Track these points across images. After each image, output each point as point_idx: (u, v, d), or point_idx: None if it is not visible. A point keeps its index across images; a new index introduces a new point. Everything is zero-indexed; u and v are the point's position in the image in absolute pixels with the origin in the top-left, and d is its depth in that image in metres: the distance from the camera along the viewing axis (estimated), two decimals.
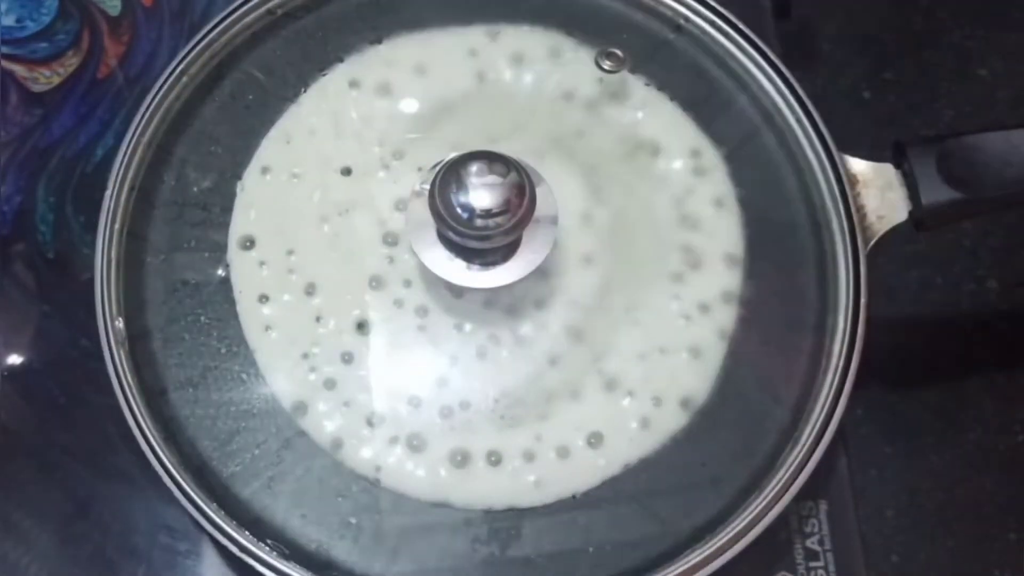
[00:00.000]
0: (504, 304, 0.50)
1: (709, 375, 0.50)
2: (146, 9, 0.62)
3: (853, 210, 0.51)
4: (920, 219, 0.51)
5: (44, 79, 0.60)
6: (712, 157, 0.53)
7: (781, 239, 0.52)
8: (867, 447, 0.63)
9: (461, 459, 0.48)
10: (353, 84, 0.54)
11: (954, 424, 0.64)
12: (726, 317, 0.51)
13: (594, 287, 0.50)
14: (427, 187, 0.46)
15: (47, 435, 0.53)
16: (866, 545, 0.54)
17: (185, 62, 0.52)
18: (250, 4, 0.54)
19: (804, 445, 0.47)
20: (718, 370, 0.50)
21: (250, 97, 0.53)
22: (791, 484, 0.47)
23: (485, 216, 0.44)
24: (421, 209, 0.46)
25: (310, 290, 0.50)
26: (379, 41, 0.55)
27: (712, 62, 0.55)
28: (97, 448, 0.53)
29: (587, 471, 0.48)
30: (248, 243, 0.51)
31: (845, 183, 0.51)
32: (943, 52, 0.72)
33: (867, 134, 0.68)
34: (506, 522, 0.47)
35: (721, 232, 0.52)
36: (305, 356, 0.49)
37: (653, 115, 0.54)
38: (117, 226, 0.50)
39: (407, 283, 0.50)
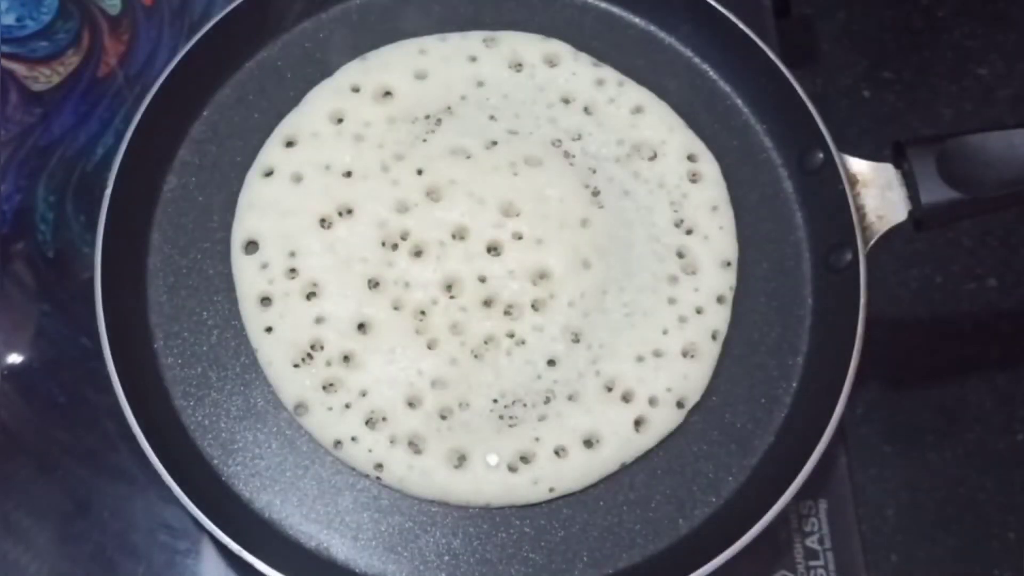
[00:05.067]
0: (503, 305, 0.50)
1: (705, 376, 0.50)
2: (146, 8, 0.62)
3: (853, 210, 0.51)
4: (920, 219, 0.51)
5: (44, 78, 0.60)
6: (709, 159, 0.53)
7: (779, 240, 0.52)
8: (867, 447, 0.63)
9: (460, 458, 0.48)
10: (355, 88, 0.54)
11: (954, 424, 0.64)
12: (722, 318, 0.51)
13: (591, 289, 0.50)
14: None
15: (47, 434, 0.53)
16: (866, 544, 0.54)
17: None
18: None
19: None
20: (714, 371, 0.50)
21: (251, 98, 0.53)
22: (790, 483, 0.47)
23: None
24: None
25: (311, 291, 0.50)
26: (380, 46, 0.55)
27: (710, 63, 0.55)
28: (97, 447, 0.53)
29: (584, 470, 0.48)
30: (249, 244, 0.51)
31: (845, 183, 0.51)
32: (943, 51, 0.72)
33: (867, 134, 0.68)
34: (504, 520, 0.47)
35: (717, 234, 0.52)
36: (306, 356, 0.49)
37: (650, 118, 0.54)
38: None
39: (406, 284, 0.50)
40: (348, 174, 0.52)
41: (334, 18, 0.55)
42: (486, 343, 0.49)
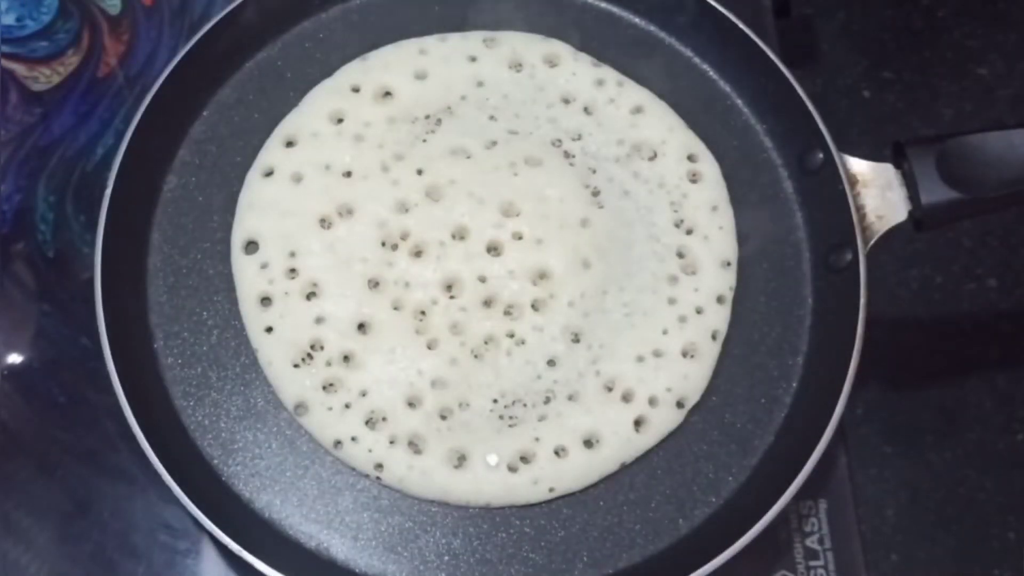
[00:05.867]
0: (503, 305, 0.50)
1: (705, 376, 0.50)
2: (146, 8, 0.62)
3: (853, 210, 0.51)
4: (920, 219, 0.51)
5: (44, 78, 0.60)
6: (709, 160, 0.53)
7: (778, 240, 0.52)
8: (867, 447, 0.63)
9: (460, 458, 0.48)
10: (355, 88, 0.54)
11: (954, 424, 0.64)
12: (722, 318, 0.51)
13: (591, 289, 0.50)
14: None
15: (47, 434, 0.53)
16: (866, 544, 0.54)
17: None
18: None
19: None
20: (714, 371, 0.50)
21: (251, 98, 0.53)
22: (790, 483, 0.47)
23: None
24: None
25: (311, 291, 0.50)
26: (380, 46, 0.55)
27: (710, 63, 0.55)
28: (97, 447, 0.53)
29: (584, 470, 0.48)
30: (249, 244, 0.51)
31: (845, 183, 0.51)
32: (943, 51, 0.72)
33: (867, 134, 0.68)
34: (504, 520, 0.47)
35: (717, 234, 0.52)
36: (306, 356, 0.49)
37: (650, 118, 0.54)
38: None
39: (406, 284, 0.50)
40: (348, 174, 0.52)
41: (334, 18, 0.55)
42: (486, 343, 0.49)
